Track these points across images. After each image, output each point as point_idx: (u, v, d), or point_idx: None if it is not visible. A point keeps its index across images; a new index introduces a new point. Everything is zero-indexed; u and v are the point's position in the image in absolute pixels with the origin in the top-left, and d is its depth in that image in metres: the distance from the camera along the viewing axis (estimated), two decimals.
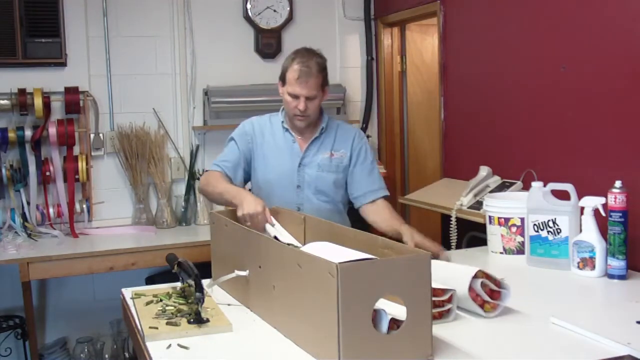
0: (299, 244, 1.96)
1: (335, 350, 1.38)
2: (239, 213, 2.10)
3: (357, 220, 2.63)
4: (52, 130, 3.36)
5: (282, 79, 2.47)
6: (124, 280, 3.02)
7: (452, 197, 2.90)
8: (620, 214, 2.08)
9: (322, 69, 2.45)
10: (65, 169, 3.44)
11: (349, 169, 2.56)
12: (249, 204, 2.10)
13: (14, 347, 3.48)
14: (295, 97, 2.41)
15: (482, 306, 1.75)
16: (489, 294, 1.76)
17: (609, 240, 2.10)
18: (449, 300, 1.71)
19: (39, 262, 3.00)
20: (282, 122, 2.55)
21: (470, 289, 1.74)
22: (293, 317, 1.60)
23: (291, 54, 2.49)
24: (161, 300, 1.92)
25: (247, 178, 2.58)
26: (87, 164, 3.48)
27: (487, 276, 1.77)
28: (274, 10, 3.89)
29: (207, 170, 2.60)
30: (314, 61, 2.43)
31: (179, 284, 2.00)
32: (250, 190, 2.52)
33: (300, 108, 2.40)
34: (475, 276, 1.75)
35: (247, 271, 1.84)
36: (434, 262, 1.49)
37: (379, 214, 2.52)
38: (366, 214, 2.56)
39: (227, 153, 2.55)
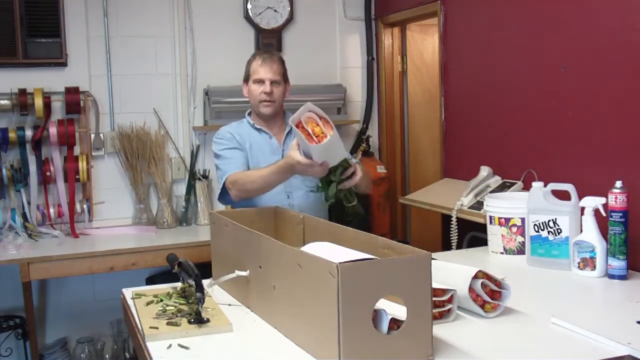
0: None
1: (335, 350, 1.38)
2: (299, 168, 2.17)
3: (349, 216, 2.70)
4: (53, 130, 3.36)
5: (246, 77, 2.65)
6: (124, 280, 3.03)
7: (453, 197, 2.90)
8: (621, 214, 2.08)
9: (283, 62, 2.64)
10: (65, 169, 3.44)
11: None
12: (297, 165, 2.15)
13: (14, 347, 3.49)
14: (261, 82, 2.57)
15: (482, 306, 1.75)
16: (489, 294, 1.75)
17: (610, 241, 2.10)
18: (450, 301, 1.71)
19: (39, 262, 3.00)
20: (253, 124, 2.66)
21: (471, 289, 1.74)
22: (293, 317, 1.60)
23: (251, 55, 2.70)
24: (161, 301, 1.92)
25: None
26: (87, 164, 3.49)
27: (488, 276, 1.77)
28: (275, 10, 3.89)
29: (225, 180, 2.50)
30: (274, 53, 2.67)
31: (179, 284, 2.00)
32: None
33: (267, 90, 2.54)
34: (476, 276, 1.75)
35: (248, 271, 1.84)
36: (434, 262, 1.49)
37: None
38: None
39: (231, 159, 2.54)
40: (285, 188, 2.54)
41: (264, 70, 2.56)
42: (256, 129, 2.65)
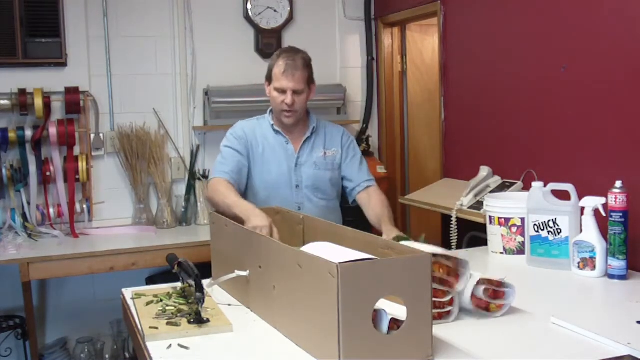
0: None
1: (335, 350, 1.38)
2: (247, 227, 2.05)
3: (349, 216, 2.71)
4: (53, 130, 3.36)
5: (269, 77, 2.50)
6: (124, 280, 3.03)
7: (453, 197, 2.90)
8: (621, 214, 2.08)
9: (308, 65, 2.50)
10: (65, 169, 3.44)
11: (341, 166, 2.62)
12: (256, 218, 2.07)
13: (14, 347, 3.48)
14: (283, 91, 2.44)
15: (486, 308, 1.75)
16: (492, 295, 1.75)
17: (610, 241, 2.10)
18: (450, 303, 1.71)
19: (39, 262, 3.00)
20: (272, 125, 2.58)
21: (472, 295, 1.74)
22: (293, 317, 1.60)
23: (276, 52, 2.54)
24: (161, 301, 1.92)
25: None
26: (87, 164, 3.48)
27: (488, 281, 1.76)
28: (274, 10, 3.89)
29: (211, 178, 2.50)
30: (299, 56, 2.48)
31: (179, 284, 2.00)
32: (245, 192, 2.54)
33: (288, 102, 2.43)
34: (477, 283, 1.74)
35: (248, 271, 1.84)
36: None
37: (370, 200, 2.56)
38: (360, 200, 2.61)
39: (226, 161, 2.50)
40: (297, 199, 2.53)
41: (286, 80, 2.41)
42: (274, 130, 2.56)
